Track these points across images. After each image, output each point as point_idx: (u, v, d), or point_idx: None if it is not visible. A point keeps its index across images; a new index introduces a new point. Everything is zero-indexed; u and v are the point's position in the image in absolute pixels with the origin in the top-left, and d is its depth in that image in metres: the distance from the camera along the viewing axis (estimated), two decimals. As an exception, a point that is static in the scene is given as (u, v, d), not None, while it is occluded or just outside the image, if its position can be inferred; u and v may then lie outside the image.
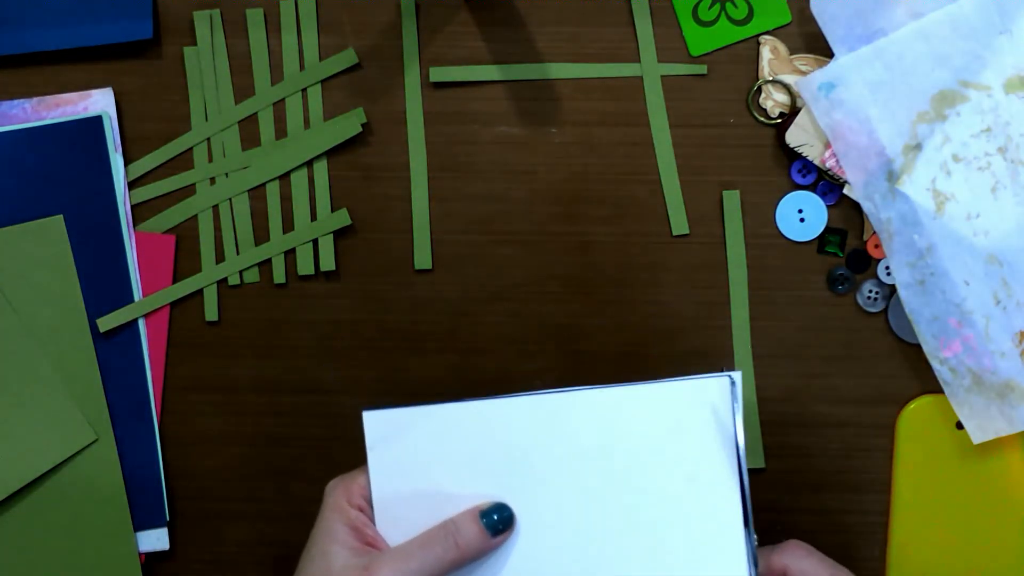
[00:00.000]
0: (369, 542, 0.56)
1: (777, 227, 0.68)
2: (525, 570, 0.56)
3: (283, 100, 0.69)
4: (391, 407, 0.57)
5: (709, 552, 0.55)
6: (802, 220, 0.68)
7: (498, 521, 0.55)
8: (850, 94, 0.65)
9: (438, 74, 0.68)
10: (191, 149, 0.69)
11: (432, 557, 0.54)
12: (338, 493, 0.57)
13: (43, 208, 0.68)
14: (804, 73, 0.67)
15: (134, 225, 0.69)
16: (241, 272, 0.69)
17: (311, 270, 0.69)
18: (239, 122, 0.69)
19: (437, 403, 0.57)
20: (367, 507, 0.57)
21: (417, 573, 0.53)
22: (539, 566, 0.56)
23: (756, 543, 0.55)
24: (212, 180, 0.69)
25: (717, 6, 0.67)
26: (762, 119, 0.68)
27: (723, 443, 0.55)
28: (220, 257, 0.69)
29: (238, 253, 0.69)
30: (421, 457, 0.57)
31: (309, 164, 0.69)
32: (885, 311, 0.68)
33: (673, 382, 0.56)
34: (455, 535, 0.55)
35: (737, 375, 0.55)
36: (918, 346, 0.67)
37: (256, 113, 0.69)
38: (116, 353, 0.68)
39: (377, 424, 0.57)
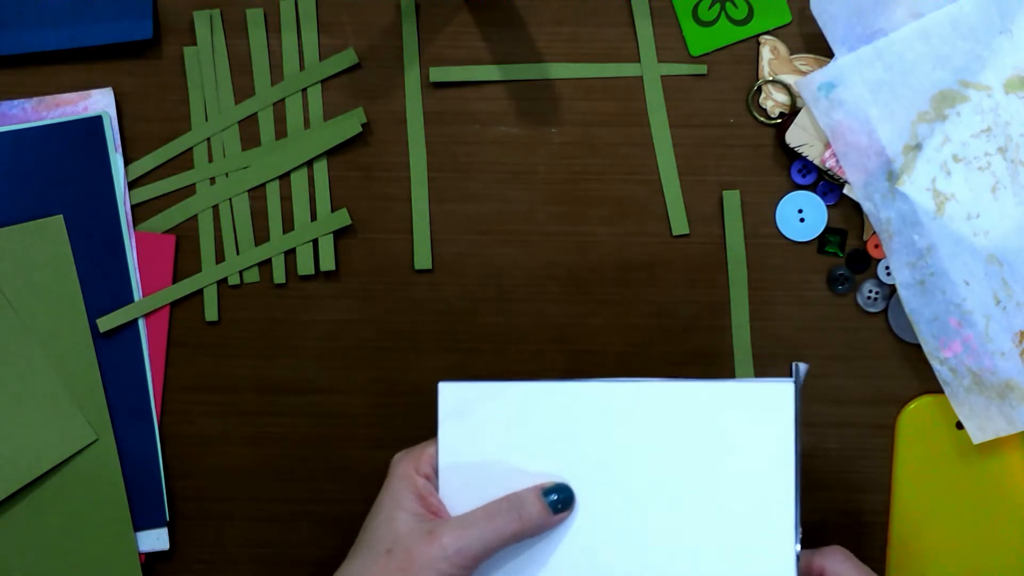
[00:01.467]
0: (433, 510, 0.57)
1: (777, 227, 0.68)
2: (578, 552, 0.57)
3: (283, 100, 0.69)
4: (467, 380, 0.58)
5: (757, 551, 0.56)
6: (802, 220, 0.68)
7: (559, 500, 0.56)
8: (850, 94, 0.65)
9: (438, 74, 0.68)
10: (191, 149, 0.69)
11: (494, 528, 0.55)
12: (406, 463, 0.58)
13: (43, 208, 0.68)
14: (804, 73, 0.67)
15: (134, 225, 0.69)
16: (241, 272, 0.69)
17: (311, 270, 0.69)
18: (239, 122, 0.69)
19: (511, 380, 0.58)
20: (433, 477, 0.58)
21: (479, 541, 0.54)
22: (591, 550, 0.57)
23: (800, 547, 0.56)
24: (212, 180, 0.69)
25: (717, 6, 0.67)
26: (762, 119, 0.68)
27: (781, 446, 0.56)
28: (220, 257, 0.69)
29: (238, 253, 0.69)
30: (489, 432, 0.58)
31: (309, 164, 0.69)
32: (885, 311, 0.68)
33: (740, 383, 0.57)
34: (519, 508, 0.55)
35: (798, 377, 0.56)
36: (918, 346, 0.67)
37: (256, 113, 0.69)
38: (116, 353, 0.68)
39: (451, 396, 0.58)
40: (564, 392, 0.57)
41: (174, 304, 0.69)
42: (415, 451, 0.59)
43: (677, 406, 0.57)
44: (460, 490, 0.58)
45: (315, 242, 0.69)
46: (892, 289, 0.67)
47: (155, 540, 0.69)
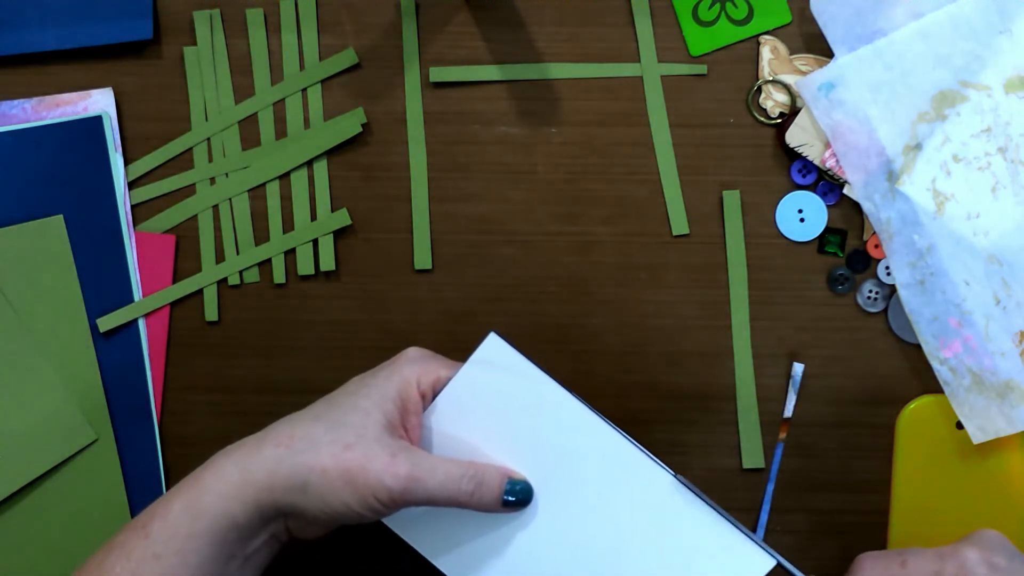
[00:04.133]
0: (407, 427, 0.56)
1: (777, 227, 0.68)
2: (521, 556, 0.57)
3: (283, 100, 0.69)
4: (513, 346, 0.58)
5: None
6: (802, 220, 0.68)
7: (516, 497, 0.56)
8: (850, 94, 0.65)
9: (438, 74, 0.68)
10: (191, 149, 0.69)
11: (448, 488, 0.54)
12: (415, 368, 0.57)
13: (43, 208, 0.68)
14: (804, 73, 0.67)
15: (134, 225, 0.69)
16: (241, 272, 0.69)
17: (311, 270, 0.69)
18: (239, 122, 0.69)
19: (543, 371, 0.58)
20: (428, 397, 0.58)
21: (426, 491, 0.54)
22: (534, 559, 0.57)
23: None
24: (212, 180, 0.69)
25: (717, 6, 0.67)
26: (762, 119, 0.68)
27: None
28: (220, 257, 0.69)
29: (238, 253, 0.69)
30: (499, 400, 0.58)
31: (309, 164, 0.69)
32: (885, 311, 0.68)
33: (731, 531, 0.56)
34: (479, 483, 0.55)
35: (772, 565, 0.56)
36: (918, 346, 0.67)
37: (256, 113, 0.69)
38: (116, 353, 0.68)
39: (491, 348, 0.58)
40: (579, 416, 0.57)
41: (174, 304, 0.69)
42: (431, 363, 0.58)
43: (668, 500, 0.57)
44: (441, 427, 0.58)
45: (315, 242, 0.69)
46: (892, 289, 0.67)
47: (155, 540, 0.69)
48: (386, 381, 0.57)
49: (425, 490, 0.54)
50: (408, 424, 0.56)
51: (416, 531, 0.58)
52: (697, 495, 0.56)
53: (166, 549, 0.53)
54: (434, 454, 0.56)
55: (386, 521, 0.58)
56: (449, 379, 0.58)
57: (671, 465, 0.58)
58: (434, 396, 0.58)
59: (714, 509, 0.56)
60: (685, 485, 0.57)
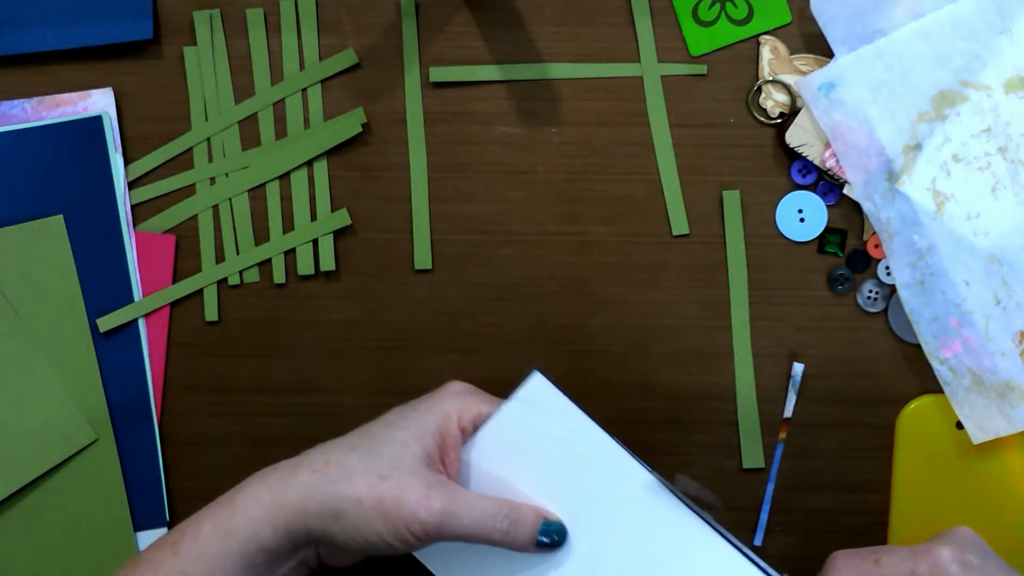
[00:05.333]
0: (445, 462, 0.56)
1: (777, 227, 0.68)
2: None
3: (283, 100, 0.69)
4: (556, 386, 0.58)
5: None
6: (802, 220, 0.68)
7: (551, 538, 0.56)
8: (850, 94, 0.65)
9: (438, 74, 0.68)
10: (191, 149, 0.69)
11: (483, 525, 0.54)
12: (457, 402, 0.57)
13: (43, 208, 0.68)
14: (804, 73, 0.67)
15: (134, 225, 0.69)
16: (241, 272, 0.69)
17: (311, 270, 0.69)
18: (239, 122, 0.69)
19: (586, 412, 0.57)
20: (468, 432, 0.57)
21: (463, 527, 0.54)
22: None
23: None
24: (212, 180, 0.69)
25: (717, 6, 0.67)
26: (762, 119, 0.68)
27: None
28: (220, 257, 0.69)
29: (238, 253, 0.69)
30: (539, 440, 0.57)
31: (309, 164, 0.69)
32: (885, 311, 0.68)
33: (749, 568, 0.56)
34: (514, 522, 0.55)
35: None
36: (918, 346, 0.67)
37: (256, 113, 0.69)
38: (116, 353, 0.68)
39: (535, 387, 0.58)
40: (619, 462, 0.57)
41: (174, 304, 0.69)
42: (472, 398, 0.58)
43: (708, 556, 0.56)
44: (479, 463, 0.57)
45: (315, 242, 0.69)
46: (892, 289, 0.67)
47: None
48: (426, 414, 0.56)
49: (459, 525, 0.53)
50: (446, 459, 0.56)
51: (446, 566, 0.57)
52: (743, 553, 0.55)
53: (194, 568, 0.53)
54: (470, 490, 0.55)
55: (417, 554, 0.57)
56: (490, 415, 0.58)
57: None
58: (474, 431, 0.58)
59: (761, 570, 0.55)
60: (731, 542, 0.55)
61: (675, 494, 0.56)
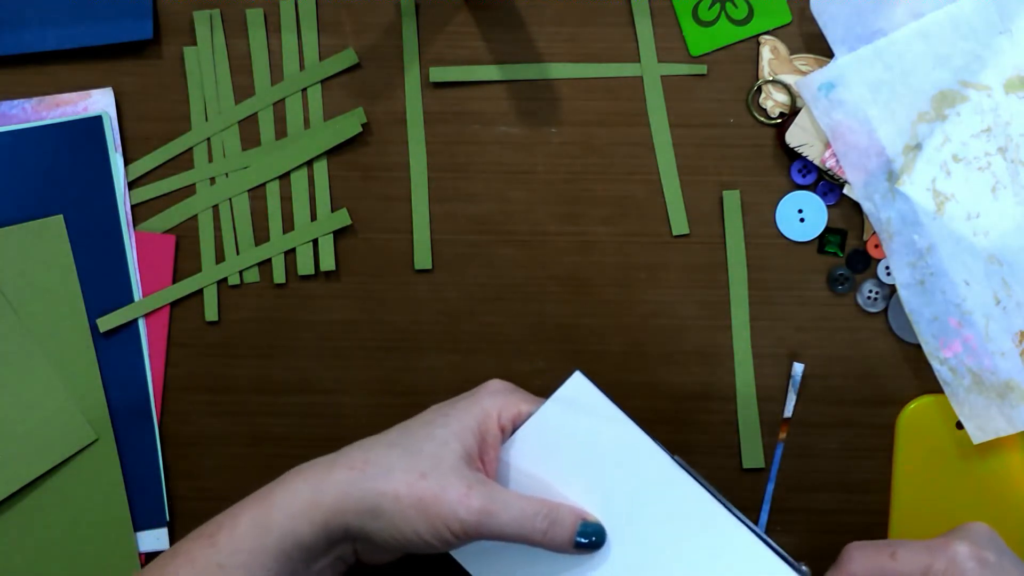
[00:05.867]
0: (484, 462, 0.56)
1: (777, 227, 0.68)
2: None
3: (283, 100, 0.69)
4: (597, 387, 0.57)
5: None
6: (802, 220, 0.68)
7: (589, 539, 0.56)
8: (850, 94, 0.65)
9: (438, 74, 0.68)
10: (191, 149, 0.69)
11: (522, 524, 0.54)
12: (497, 401, 0.57)
13: (43, 208, 0.68)
14: (804, 73, 0.67)
15: (134, 225, 0.69)
16: (241, 272, 0.69)
17: (311, 270, 0.69)
18: (239, 122, 0.69)
19: (626, 414, 0.57)
20: (508, 431, 0.57)
21: (502, 526, 0.53)
22: None
23: None
24: (212, 180, 0.69)
25: (717, 6, 0.67)
26: (762, 119, 0.68)
27: None
28: (220, 257, 0.69)
29: (238, 253, 0.69)
30: (578, 439, 0.57)
31: (309, 164, 0.69)
32: (885, 311, 0.68)
33: (766, 552, 0.55)
34: (552, 522, 0.55)
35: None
36: (918, 346, 0.67)
37: (256, 113, 0.69)
38: (116, 353, 0.68)
39: (575, 387, 0.58)
40: (659, 464, 0.56)
41: (174, 304, 0.69)
42: (512, 396, 0.58)
43: (749, 562, 0.55)
44: (518, 463, 0.57)
45: (315, 242, 0.69)
46: (892, 289, 0.67)
47: (155, 540, 0.69)
48: (466, 412, 0.56)
49: (498, 524, 0.53)
50: (485, 457, 0.56)
51: (483, 565, 0.57)
52: (785, 559, 0.55)
53: (231, 561, 0.53)
54: (509, 489, 0.55)
55: (453, 553, 0.57)
56: (530, 414, 0.58)
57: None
58: (513, 431, 0.58)
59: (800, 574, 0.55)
60: (773, 548, 0.55)
61: (720, 500, 0.56)
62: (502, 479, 0.57)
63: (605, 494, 0.57)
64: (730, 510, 0.56)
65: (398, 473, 0.53)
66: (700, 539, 0.56)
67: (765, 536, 0.56)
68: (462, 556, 0.57)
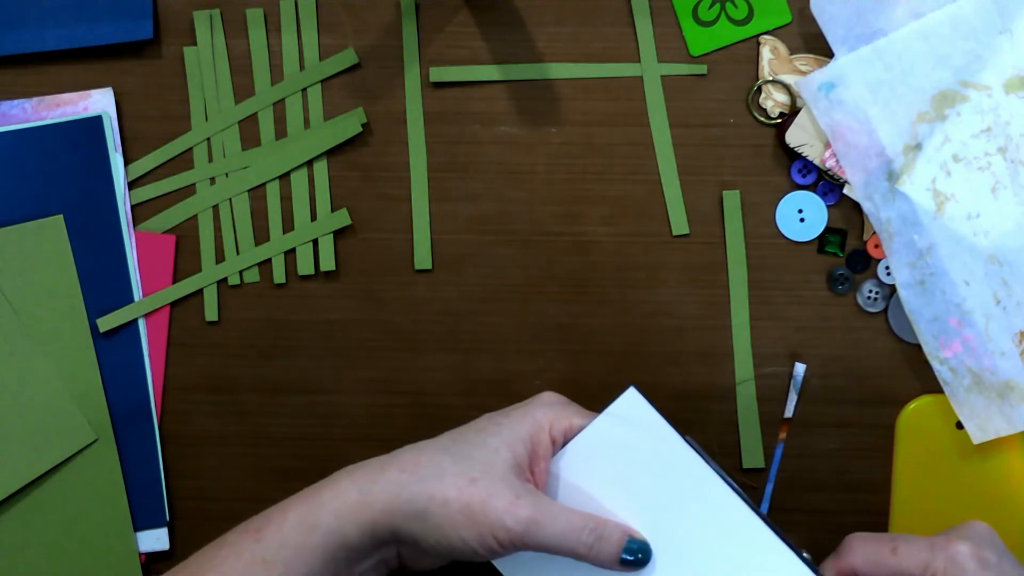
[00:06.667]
0: (534, 471, 0.56)
1: (777, 227, 0.68)
2: None
3: (283, 100, 0.69)
4: (651, 403, 0.57)
5: None
6: (802, 220, 0.68)
7: (635, 556, 0.55)
8: (850, 94, 0.65)
9: (438, 74, 0.68)
10: (191, 149, 0.69)
11: (567, 537, 0.53)
12: (549, 412, 0.57)
13: (43, 208, 0.68)
14: (804, 73, 0.67)
15: (134, 225, 0.69)
16: (241, 272, 0.69)
17: (311, 270, 0.69)
18: (239, 122, 0.69)
19: (679, 432, 0.57)
20: (559, 443, 0.57)
21: (546, 536, 0.53)
22: None
23: None
24: (212, 180, 0.69)
25: (717, 6, 0.67)
26: (762, 119, 0.68)
27: None
28: (220, 257, 0.69)
29: (238, 253, 0.69)
30: (628, 455, 0.57)
31: (309, 164, 0.69)
32: (885, 311, 0.68)
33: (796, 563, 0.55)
34: (598, 537, 0.54)
35: None
36: (918, 346, 0.67)
37: (256, 113, 0.69)
38: (116, 353, 0.68)
39: (628, 403, 0.57)
40: (710, 485, 0.56)
41: (174, 304, 0.69)
42: (565, 409, 0.58)
43: (762, 557, 0.55)
44: (567, 476, 0.57)
45: (315, 242, 0.69)
46: (892, 289, 0.67)
47: (155, 540, 0.69)
48: (519, 422, 0.56)
49: (545, 535, 0.53)
50: (536, 468, 0.56)
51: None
52: None
53: (276, 556, 0.53)
54: (557, 502, 0.55)
55: (496, 563, 0.57)
56: (581, 428, 0.57)
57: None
58: (564, 443, 0.58)
59: None
60: (814, 570, 0.55)
61: (769, 525, 0.56)
62: (551, 491, 0.57)
63: (653, 512, 0.56)
64: (778, 534, 0.55)
65: (448, 477, 0.53)
66: (745, 562, 0.55)
67: (811, 564, 0.55)
68: (504, 566, 0.57)
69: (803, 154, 0.66)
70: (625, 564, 0.55)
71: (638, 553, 0.55)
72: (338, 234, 0.69)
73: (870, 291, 0.68)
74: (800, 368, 0.67)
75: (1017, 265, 0.64)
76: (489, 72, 0.68)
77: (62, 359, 0.68)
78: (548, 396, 0.59)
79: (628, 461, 0.57)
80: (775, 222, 0.68)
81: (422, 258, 0.68)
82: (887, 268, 0.67)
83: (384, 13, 0.68)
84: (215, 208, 0.69)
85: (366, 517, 0.53)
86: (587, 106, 0.68)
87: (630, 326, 0.68)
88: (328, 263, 0.68)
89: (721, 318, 0.68)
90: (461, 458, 0.54)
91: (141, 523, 0.68)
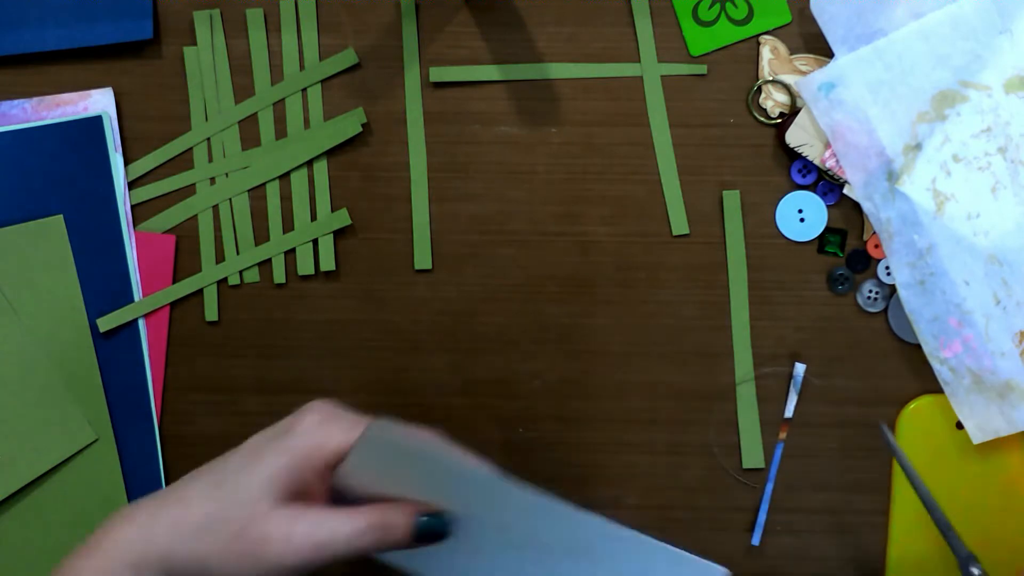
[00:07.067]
0: (313, 490, 0.54)
1: (777, 227, 0.68)
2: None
3: (283, 100, 0.69)
4: (396, 424, 0.55)
5: None
6: (802, 220, 0.68)
7: (424, 529, 0.54)
8: (850, 94, 0.65)
9: (438, 74, 0.68)
10: (191, 149, 0.69)
11: (355, 544, 0.52)
12: (320, 429, 0.55)
13: (43, 208, 0.68)
14: (804, 73, 0.67)
15: (134, 225, 0.69)
16: (241, 272, 0.69)
17: (311, 270, 0.69)
18: (239, 122, 0.69)
19: (433, 449, 0.55)
20: (336, 454, 0.55)
21: (336, 553, 0.52)
22: None
23: None
24: (212, 180, 0.69)
25: (717, 6, 0.67)
26: (762, 119, 0.68)
27: None
28: (220, 257, 0.69)
29: (238, 253, 0.69)
30: (402, 458, 0.55)
31: (309, 164, 0.69)
32: (885, 311, 0.68)
33: (673, 550, 0.52)
34: (383, 529, 0.53)
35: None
36: (918, 346, 0.67)
37: (256, 113, 0.69)
38: (116, 353, 0.68)
39: (380, 428, 0.55)
40: (482, 475, 0.54)
41: (174, 304, 0.69)
42: (335, 420, 0.55)
43: (599, 540, 0.53)
44: (351, 483, 0.55)
45: (315, 242, 0.69)
46: (892, 289, 0.67)
47: (155, 540, 0.68)
48: (290, 441, 0.54)
49: (332, 553, 0.52)
50: (314, 484, 0.54)
51: (414, 562, 0.56)
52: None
53: None
54: (340, 508, 0.54)
55: (388, 558, 0.56)
56: (357, 438, 0.55)
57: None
58: (342, 454, 0.55)
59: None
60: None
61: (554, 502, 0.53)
62: (337, 501, 0.55)
63: (442, 495, 0.54)
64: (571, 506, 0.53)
65: (219, 525, 0.52)
66: (550, 530, 0.53)
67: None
68: (395, 559, 0.56)
69: (803, 154, 0.66)
70: (422, 540, 0.53)
71: (427, 525, 0.53)
72: (338, 234, 0.69)
73: (870, 291, 0.68)
74: (800, 368, 0.67)
75: (1017, 265, 0.64)
76: (489, 72, 0.68)
77: (62, 359, 0.68)
78: (317, 405, 0.56)
79: (404, 462, 0.55)
80: (775, 222, 0.68)
81: (422, 258, 0.69)
82: (887, 268, 0.67)
83: (384, 13, 0.68)
84: (215, 208, 0.69)
85: (154, 563, 0.53)
86: (587, 106, 0.68)
87: (630, 326, 0.68)
88: (328, 263, 0.68)
89: (721, 318, 0.68)
90: (229, 505, 0.53)
91: (141, 523, 0.68)
